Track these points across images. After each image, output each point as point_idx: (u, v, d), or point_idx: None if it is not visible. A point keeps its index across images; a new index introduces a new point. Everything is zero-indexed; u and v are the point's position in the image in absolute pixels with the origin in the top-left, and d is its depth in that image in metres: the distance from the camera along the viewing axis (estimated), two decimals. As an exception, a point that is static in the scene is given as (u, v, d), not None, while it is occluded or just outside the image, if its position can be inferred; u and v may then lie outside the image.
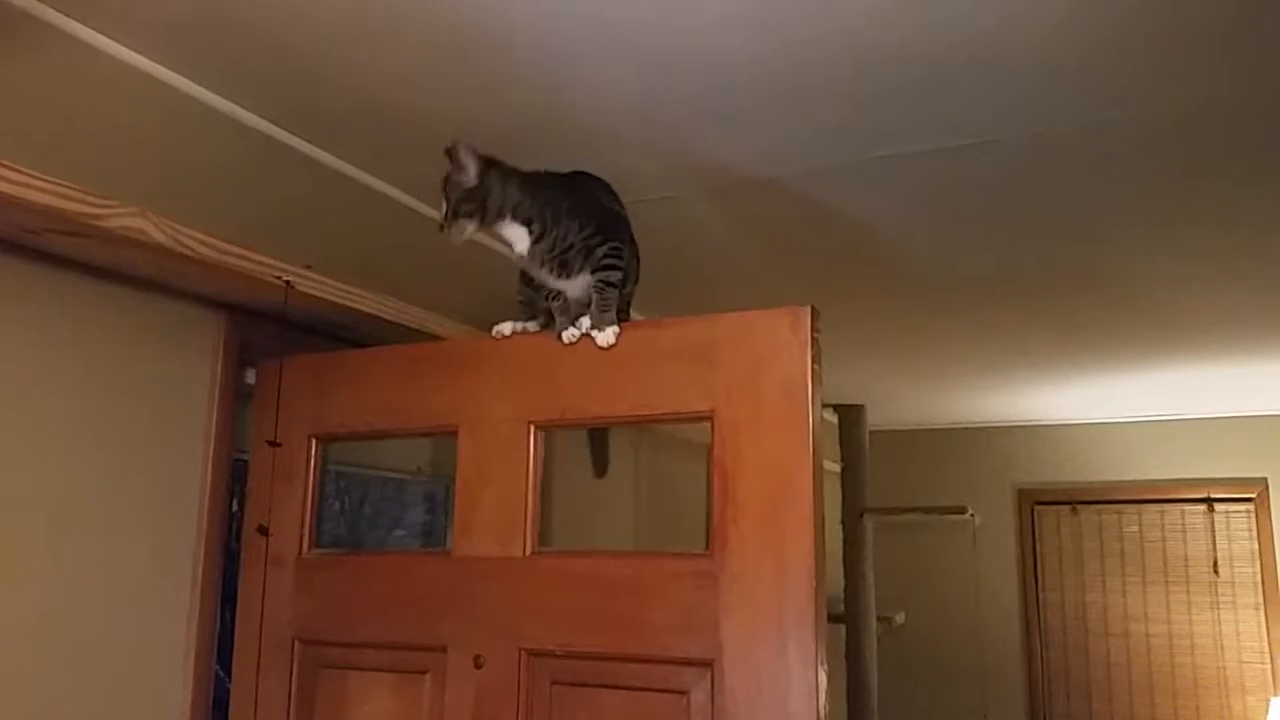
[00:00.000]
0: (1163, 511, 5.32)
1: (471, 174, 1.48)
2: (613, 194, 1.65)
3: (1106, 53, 1.59)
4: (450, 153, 1.48)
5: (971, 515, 5.06)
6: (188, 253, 1.46)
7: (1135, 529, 5.37)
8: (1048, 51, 1.58)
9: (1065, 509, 5.52)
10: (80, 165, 1.43)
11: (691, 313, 1.51)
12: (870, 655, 4.57)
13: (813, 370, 1.39)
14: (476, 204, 1.47)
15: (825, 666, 1.31)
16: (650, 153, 2.00)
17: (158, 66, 1.65)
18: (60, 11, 1.48)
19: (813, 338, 1.40)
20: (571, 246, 1.49)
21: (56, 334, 1.50)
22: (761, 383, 1.41)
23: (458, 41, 1.58)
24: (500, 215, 1.48)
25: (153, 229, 1.41)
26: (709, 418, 1.45)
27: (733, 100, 1.76)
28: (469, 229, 1.48)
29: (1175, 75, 1.66)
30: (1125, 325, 3.43)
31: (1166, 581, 5.27)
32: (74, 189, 1.30)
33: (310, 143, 1.95)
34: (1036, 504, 5.57)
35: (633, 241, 1.62)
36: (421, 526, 3.07)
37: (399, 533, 3.06)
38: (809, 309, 1.41)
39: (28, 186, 1.24)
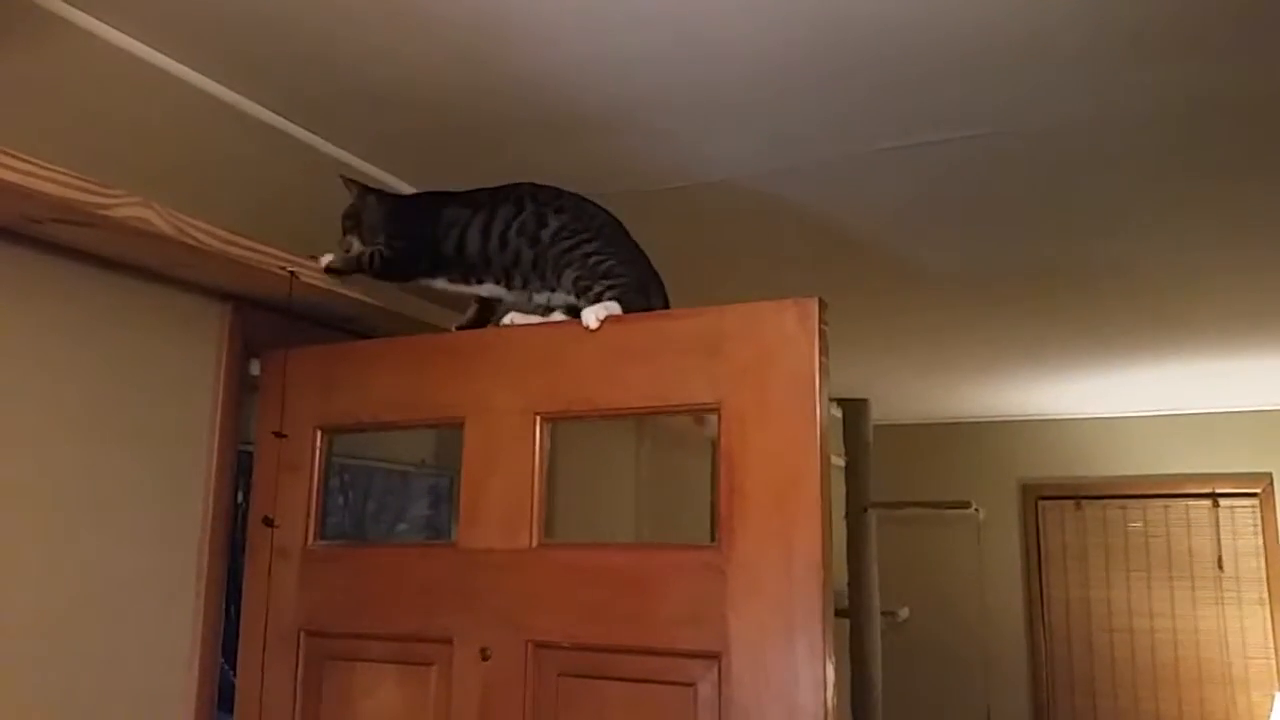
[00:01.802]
0: (1167, 507, 5.32)
1: (353, 198, 1.79)
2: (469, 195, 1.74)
3: (1118, 43, 1.58)
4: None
5: (975, 510, 5.05)
6: (192, 243, 1.46)
7: (1139, 524, 5.36)
8: (1057, 42, 1.57)
9: (1069, 504, 5.52)
10: (85, 156, 1.43)
11: (697, 304, 1.51)
12: (874, 650, 4.56)
13: (820, 362, 1.38)
14: (354, 222, 1.77)
15: (833, 659, 1.30)
16: (657, 143, 1.99)
17: (163, 57, 1.65)
18: (66, 3, 1.48)
19: (820, 329, 1.39)
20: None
21: (60, 324, 1.49)
22: (769, 374, 1.41)
23: (462, 31, 1.57)
24: (372, 232, 1.76)
25: (157, 219, 1.40)
26: (715, 409, 1.44)
27: (741, 90, 1.76)
28: (354, 244, 1.75)
29: (1185, 67, 1.65)
30: (1130, 319, 3.42)
31: (1171, 577, 5.27)
32: (79, 178, 1.29)
33: (313, 133, 1.95)
34: (1040, 499, 5.57)
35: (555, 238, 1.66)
36: (424, 520, 3.06)
37: (402, 526, 3.06)
38: (816, 300, 1.40)
39: (33, 175, 1.23)
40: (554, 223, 1.65)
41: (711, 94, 1.77)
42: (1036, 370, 4.35)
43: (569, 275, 1.62)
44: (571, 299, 1.63)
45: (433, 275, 1.73)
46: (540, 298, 1.67)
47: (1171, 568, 5.27)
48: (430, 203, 1.77)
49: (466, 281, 1.72)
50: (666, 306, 1.66)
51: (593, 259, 1.61)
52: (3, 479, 1.40)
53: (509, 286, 1.69)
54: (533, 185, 1.71)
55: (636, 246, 1.69)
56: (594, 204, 1.70)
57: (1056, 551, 5.52)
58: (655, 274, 1.68)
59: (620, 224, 1.70)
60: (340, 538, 2.57)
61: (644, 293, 1.62)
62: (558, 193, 1.70)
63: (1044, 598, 5.49)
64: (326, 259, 1.70)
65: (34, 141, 1.29)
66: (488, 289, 1.72)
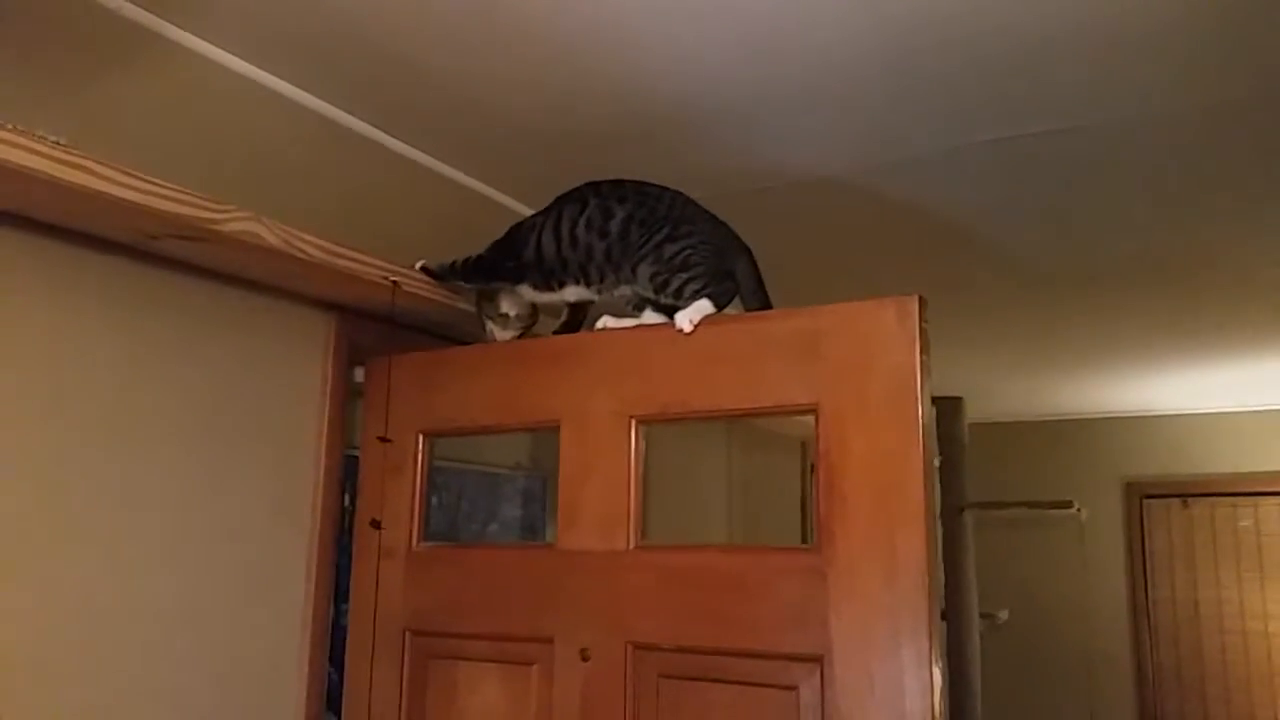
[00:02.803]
0: (1281, 505, 5.10)
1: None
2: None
3: (1217, 30, 1.52)
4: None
5: (1078, 510, 4.91)
6: (299, 255, 1.50)
7: (1250, 522, 5.15)
8: (1151, 30, 1.53)
9: (1176, 502, 5.32)
10: (190, 169, 1.48)
11: (795, 303, 1.50)
12: (973, 652, 4.47)
13: (921, 361, 1.36)
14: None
15: (940, 664, 1.28)
16: (756, 144, 1.98)
17: (268, 75, 1.70)
18: (179, 27, 1.54)
19: (921, 328, 1.37)
20: None
21: (172, 335, 1.55)
22: (868, 375, 1.39)
23: (556, 47, 1.59)
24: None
25: (266, 232, 1.45)
26: (813, 410, 1.43)
27: (831, 87, 1.74)
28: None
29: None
30: (1238, 310, 3.29)
31: (1287, 577, 5.05)
32: (194, 195, 1.35)
33: (413, 146, 2.00)
34: (1145, 497, 5.38)
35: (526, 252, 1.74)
36: (515, 521, 3.10)
37: (493, 527, 3.10)
38: (916, 298, 1.38)
39: (153, 194, 1.29)
40: (620, 212, 1.65)
41: (807, 92, 1.76)
42: (1141, 365, 4.21)
43: (645, 270, 1.61)
44: (650, 294, 1.62)
45: (518, 280, 1.74)
46: (622, 291, 1.68)
47: (1287, 568, 5.05)
48: (515, 224, 1.81)
49: (550, 287, 1.73)
50: (754, 269, 1.62)
51: (666, 250, 1.60)
52: (125, 483, 1.47)
53: (588, 284, 1.70)
54: (593, 183, 1.72)
55: (710, 217, 1.65)
56: (656, 185, 1.68)
57: (1163, 551, 5.33)
58: (734, 239, 1.64)
59: (687, 198, 1.67)
60: (437, 539, 2.63)
61: (728, 274, 1.59)
62: (617, 183, 1.70)
63: (1150, 599, 5.31)
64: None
65: (146, 159, 1.34)
66: (571, 291, 1.73)
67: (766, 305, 1.59)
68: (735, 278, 1.59)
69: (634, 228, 1.63)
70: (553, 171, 2.07)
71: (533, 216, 1.77)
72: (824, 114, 1.85)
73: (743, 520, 3.70)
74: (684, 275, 1.57)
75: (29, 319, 1.36)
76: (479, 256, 1.77)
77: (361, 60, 1.66)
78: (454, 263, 1.77)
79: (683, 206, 1.65)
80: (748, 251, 1.63)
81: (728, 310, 1.57)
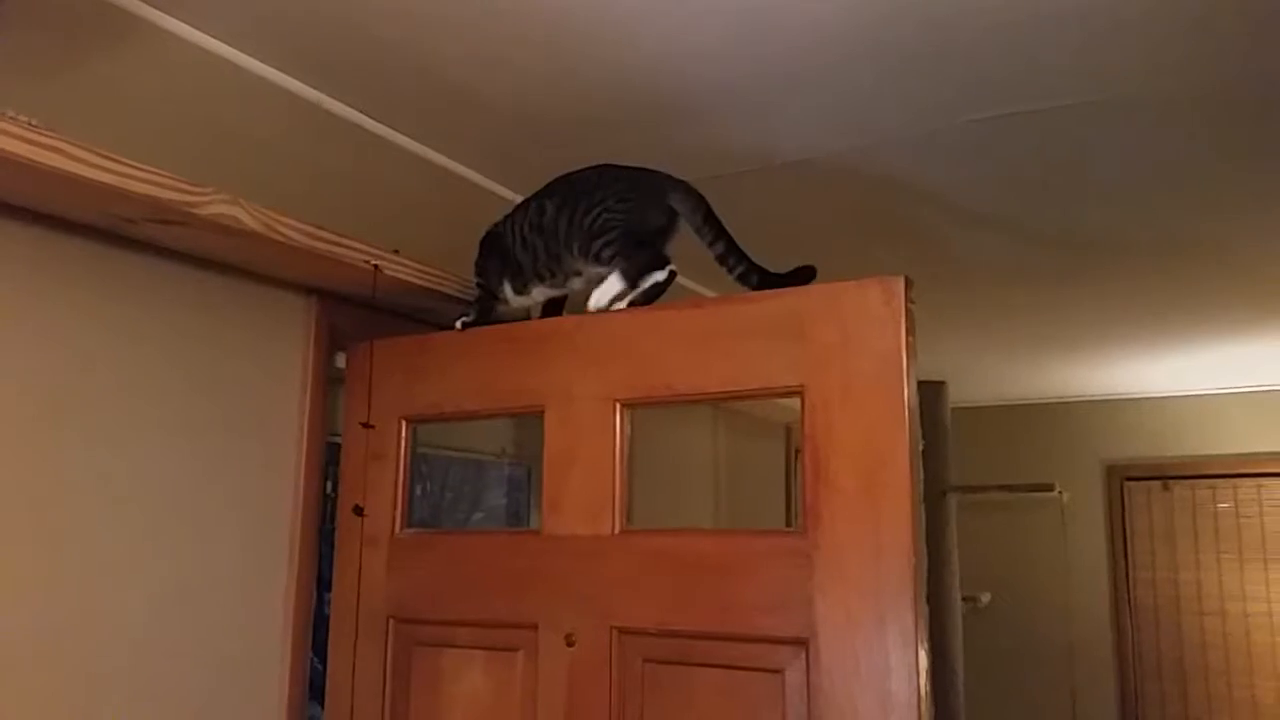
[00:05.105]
0: (1260, 486, 5.14)
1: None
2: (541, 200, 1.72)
3: (1198, 9, 1.52)
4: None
5: (1059, 492, 4.94)
6: (279, 238, 1.48)
7: (1230, 504, 5.19)
8: (1136, 11, 1.52)
9: (1156, 485, 5.36)
10: (168, 152, 1.46)
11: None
12: (955, 635, 4.49)
13: (907, 342, 1.36)
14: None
15: (926, 646, 1.28)
16: (732, 126, 1.97)
17: (246, 57, 1.68)
18: (157, 9, 1.52)
19: (907, 308, 1.36)
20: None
21: (153, 322, 1.53)
22: (853, 356, 1.38)
23: (546, 28, 1.58)
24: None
25: (245, 215, 1.43)
26: (798, 393, 1.42)
27: (816, 68, 1.73)
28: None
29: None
30: (1219, 294, 3.31)
31: (1265, 559, 5.09)
32: (171, 177, 1.32)
33: (395, 129, 1.97)
34: (1126, 480, 5.42)
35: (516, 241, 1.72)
36: (501, 509, 3.09)
37: (478, 515, 3.09)
38: (902, 279, 1.37)
39: (128, 177, 1.26)
40: (550, 206, 1.67)
41: (792, 73, 1.75)
42: (1122, 348, 4.24)
43: (575, 249, 1.63)
44: (587, 269, 1.64)
45: (502, 282, 1.75)
46: (574, 283, 1.69)
47: (1265, 549, 5.09)
48: (485, 235, 1.81)
49: (526, 289, 1.74)
50: (696, 201, 1.57)
51: (584, 221, 1.61)
52: (102, 473, 1.45)
53: (543, 282, 1.71)
54: (541, 187, 1.73)
55: (628, 173, 1.63)
56: (582, 169, 1.68)
57: (1143, 533, 5.37)
58: (661, 183, 1.61)
59: (606, 166, 1.66)
60: (421, 527, 2.61)
61: (645, 230, 1.57)
62: (553, 180, 1.71)
63: (1130, 581, 5.35)
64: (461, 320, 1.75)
65: (123, 142, 1.32)
66: (539, 292, 1.74)
67: (723, 234, 1.55)
68: (660, 238, 1.58)
69: (561, 215, 1.65)
70: (536, 156, 2.06)
71: (496, 224, 1.78)
72: (809, 95, 1.84)
73: (729, 505, 3.70)
74: (601, 240, 1.59)
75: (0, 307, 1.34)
76: (481, 278, 1.77)
77: (344, 43, 1.64)
78: (478, 298, 1.77)
79: (598, 176, 1.65)
80: (682, 187, 1.59)
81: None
